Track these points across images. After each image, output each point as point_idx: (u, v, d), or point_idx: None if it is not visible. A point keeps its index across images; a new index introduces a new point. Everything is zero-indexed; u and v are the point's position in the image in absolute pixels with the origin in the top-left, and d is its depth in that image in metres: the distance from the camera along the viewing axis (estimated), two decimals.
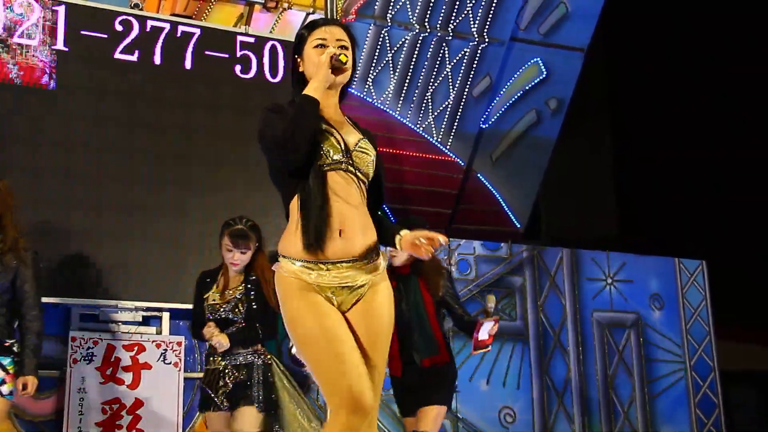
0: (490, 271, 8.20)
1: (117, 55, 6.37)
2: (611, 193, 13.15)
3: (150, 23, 6.54)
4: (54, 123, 6.10)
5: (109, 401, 5.89)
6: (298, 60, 3.21)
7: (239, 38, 6.83)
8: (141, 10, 6.68)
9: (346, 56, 3.08)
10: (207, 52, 6.68)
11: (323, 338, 2.93)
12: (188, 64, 6.60)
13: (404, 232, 3.14)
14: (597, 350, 8.48)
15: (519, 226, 10.03)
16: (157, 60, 6.50)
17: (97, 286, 5.98)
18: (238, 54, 6.78)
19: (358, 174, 3.08)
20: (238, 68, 6.76)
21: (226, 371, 4.89)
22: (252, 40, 6.86)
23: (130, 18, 6.46)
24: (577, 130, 11.49)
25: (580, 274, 8.61)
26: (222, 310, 4.90)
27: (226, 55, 6.74)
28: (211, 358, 4.95)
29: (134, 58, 6.42)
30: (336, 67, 3.07)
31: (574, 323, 8.43)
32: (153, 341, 6.12)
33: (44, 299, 5.81)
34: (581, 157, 12.58)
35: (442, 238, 3.05)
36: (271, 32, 7.50)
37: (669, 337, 8.83)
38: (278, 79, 6.85)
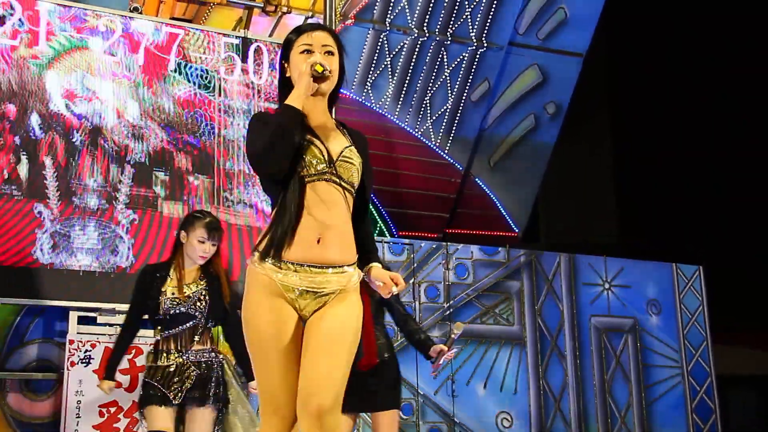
0: (487, 276, 8.21)
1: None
2: (609, 198, 13.16)
3: (133, 24, 6.32)
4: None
5: (107, 404, 5.89)
6: (286, 65, 3.18)
7: (223, 39, 6.57)
8: (140, 13, 6.68)
9: (323, 66, 3.02)
10: (192, 53, 6.44)
11: (270, 343, 2.96)
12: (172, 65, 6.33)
13: (376, 267, 3.15)
14: (594, 355, 8.48)
15: (517, 230, 10.04)
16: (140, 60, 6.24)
17: (95, 289, 5.97)
18: (222, 55, 6.57)
19: (342, 183, 3.06)
20: (222, 69, 6.53)
21: (186, 368, 4.78)
22: (237, 41, 6.64)
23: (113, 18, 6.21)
24: (576, 135, 11.51)
25: (578, 279, 8.62)
26: (180, 305, 4.80)
27: (211, 56, 6.49)
28: (164, 355, 4.82)
29: (117, 58, 6.16)
30: (316, 76, 3.03)
31: (571, 328, 8.44)
32: (150, 344, 6.09)
33: (43, 302, 5.85)
34: (579, 162, 12.60)
35: (396, 289, 3.08)
36: (269, 36, 7.50)
37: (666, 342, 8.84)
38: (262, 80, 6.68)
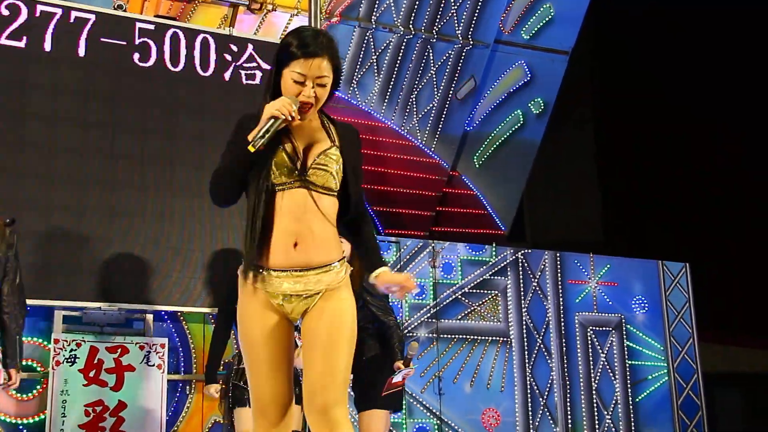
0: (474, 274, 8.21)
1: (3, 41, 5.99)
2: (595, 195, 13.19)
3: (39, 8, 6.13)
4: None
5: (92, 403, 5.87)
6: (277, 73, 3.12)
7: (138, 25, 6.46)
8: (125, 11, 6.64)
9: (259, 138, 2.93)
10: (102, 39, 6.30)
11: (255, 345, 3.04)
12: (82, 51, 6.22)
13: (382, 271, 3.19)
14: (580, 352, 8.50)
15: (503, 228, 10.04)
16: (48, 47, 6.12)
17: (81, 288, 5.94)
18: (137, 41, 6.42)
19: (315, 188, 3.04)
20: (136, 56, 6.41)
21: None
22: (152, 27, 6.51)
23: (17, 2, 6.08)
24: (562, 133, 11.53)
25: (564, 276, 8.63)
26: None
27: (124, 43, 6.37)
28: None
29: (22, 44, 6.05)
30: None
31: (557, 325, 8.46)
32: (137, 343, 6.10)
33: (28, 301, 5.82)
34: (565, 159, 12.62)
35: (414, 290, 3.20)
36: (255, 34, 7.48)
37: (652, 340, 8.87)
38: (179, 68, 6.55)
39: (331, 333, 3.01)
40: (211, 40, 6.70)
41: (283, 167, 3.02)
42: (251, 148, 2.91)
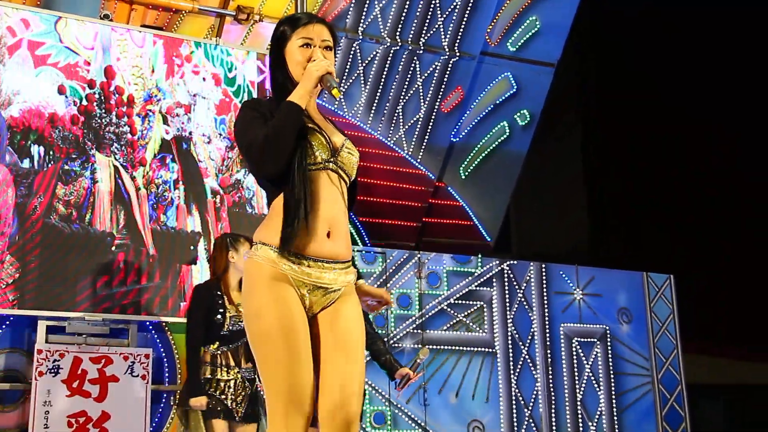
0: (459, 285, 8.22)
1: None
2: (581, 207, 13.22)
3: None
4: None
5: (75, 414, 5.84)
6: (280, 54, 3.10)
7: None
8: (111, 21, 6.65)
9: (337, 84, 2.97)
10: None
11: (280, 336, 2.82)
12: None
13: (360, 283, 3.11)
14: (565, 363, 8.51)
15: (489, 239, 10.06)
16: None
17: (65, 299, 5.92)
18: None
19: (343, 175, 3.01)
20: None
21: (241, 383, 4.95)
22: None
23: None
24: (548, 145, 11.56)
25: (550, 287, 8.65)
26: (240, 322, 4.93)
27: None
28: (224, 370, 4.94)
29: None
30: (324, 81, 2.97)
31: (542, 337, 8.47)
32: (120, 354, 6.07)
33: (11, 311, 5.80)
34: (551, 171, 12.65)
35: (391, 305, 3.07)
36: (242, 44, 7.49)
37: (637, 351, 8.89)
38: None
39: (354, 341, 2.95)
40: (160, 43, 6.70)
41: (318, 147, 2.96)
42: (336, 93, 2.94)
